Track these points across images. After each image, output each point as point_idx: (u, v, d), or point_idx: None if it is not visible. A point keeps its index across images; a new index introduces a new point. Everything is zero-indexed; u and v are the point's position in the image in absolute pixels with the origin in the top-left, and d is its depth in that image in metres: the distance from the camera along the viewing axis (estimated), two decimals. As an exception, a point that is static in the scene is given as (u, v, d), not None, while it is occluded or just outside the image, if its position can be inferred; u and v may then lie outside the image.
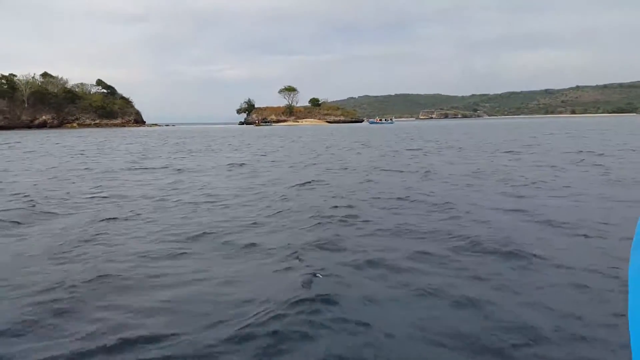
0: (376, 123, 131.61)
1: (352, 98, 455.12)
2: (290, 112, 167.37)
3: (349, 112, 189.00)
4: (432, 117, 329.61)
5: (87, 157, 22.65)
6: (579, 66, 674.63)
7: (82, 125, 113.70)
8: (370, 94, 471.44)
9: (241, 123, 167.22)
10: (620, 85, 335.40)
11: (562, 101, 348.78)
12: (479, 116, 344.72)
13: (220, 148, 29.03)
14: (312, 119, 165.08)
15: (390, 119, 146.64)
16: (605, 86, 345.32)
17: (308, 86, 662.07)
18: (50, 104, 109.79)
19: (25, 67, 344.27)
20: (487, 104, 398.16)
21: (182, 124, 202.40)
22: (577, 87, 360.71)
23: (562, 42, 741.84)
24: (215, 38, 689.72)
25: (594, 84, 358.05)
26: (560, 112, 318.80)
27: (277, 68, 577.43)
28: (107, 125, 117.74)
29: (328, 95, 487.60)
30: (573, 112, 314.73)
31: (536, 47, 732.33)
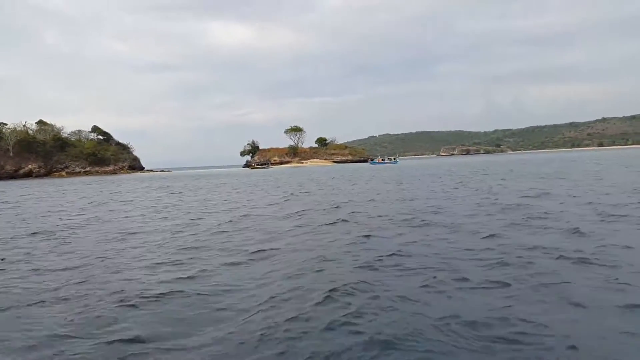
0: (378, 163, 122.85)
1: (372, 137, 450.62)
2: (294, 152, 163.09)
3: (358, 151, 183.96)
4: (453, 154, 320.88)
5: None
6: (605, 97, 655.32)
7: (70, 174, 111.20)
8: (392, 132, 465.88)
9: (245, 165, 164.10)
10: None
11: (588, 134, 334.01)
12: (502, 151, 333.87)
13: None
14: (317, 160, 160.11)
15: (394, 159, 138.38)
16: (633, 117, 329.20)
17: (328, 126, 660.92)
18: (37, 153, 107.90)
19: (54, 116, 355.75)
20: (510, 139, 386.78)
21: (183, 168, 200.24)
22: (604, 118, 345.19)
23: (586, 74, 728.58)
24: (239, 83, 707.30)
25: (621, 115, 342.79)
26: (587, 145, 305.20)
27: (297, 110, 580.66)
28: (97, 172, 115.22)
29: (349, 134, 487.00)
30: (600, 144, 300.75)
31: (560, 80, 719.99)
